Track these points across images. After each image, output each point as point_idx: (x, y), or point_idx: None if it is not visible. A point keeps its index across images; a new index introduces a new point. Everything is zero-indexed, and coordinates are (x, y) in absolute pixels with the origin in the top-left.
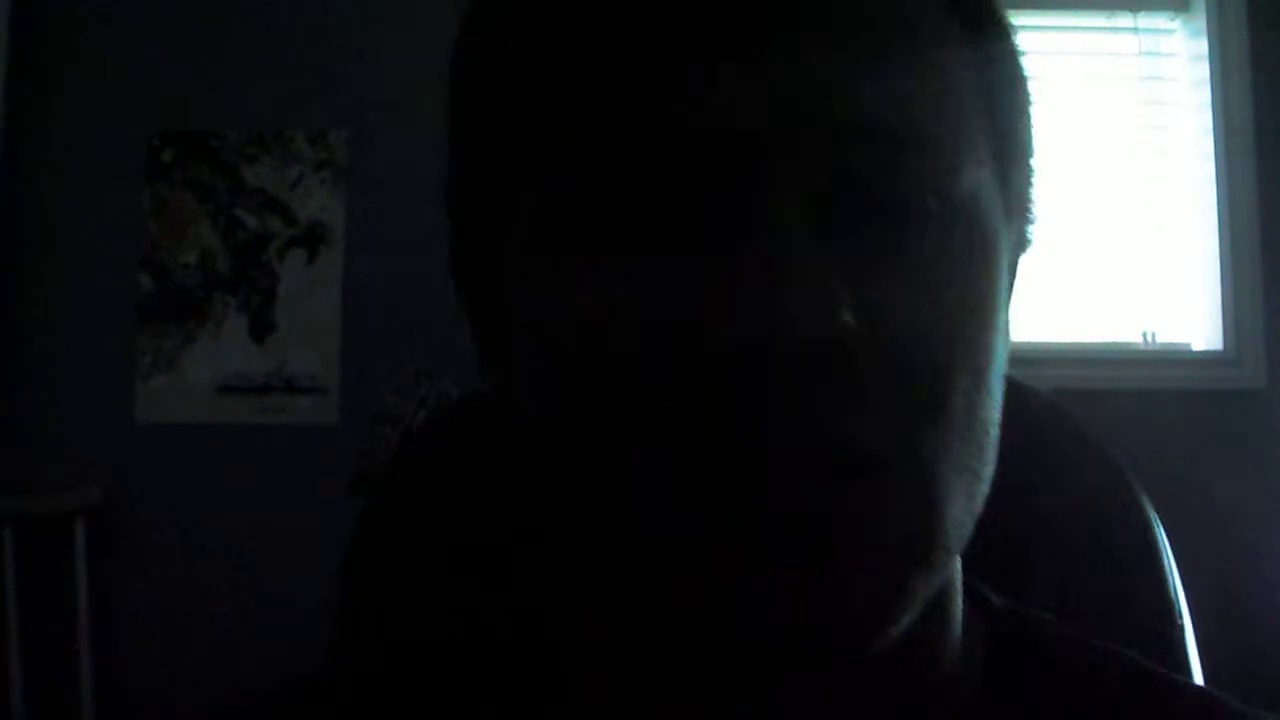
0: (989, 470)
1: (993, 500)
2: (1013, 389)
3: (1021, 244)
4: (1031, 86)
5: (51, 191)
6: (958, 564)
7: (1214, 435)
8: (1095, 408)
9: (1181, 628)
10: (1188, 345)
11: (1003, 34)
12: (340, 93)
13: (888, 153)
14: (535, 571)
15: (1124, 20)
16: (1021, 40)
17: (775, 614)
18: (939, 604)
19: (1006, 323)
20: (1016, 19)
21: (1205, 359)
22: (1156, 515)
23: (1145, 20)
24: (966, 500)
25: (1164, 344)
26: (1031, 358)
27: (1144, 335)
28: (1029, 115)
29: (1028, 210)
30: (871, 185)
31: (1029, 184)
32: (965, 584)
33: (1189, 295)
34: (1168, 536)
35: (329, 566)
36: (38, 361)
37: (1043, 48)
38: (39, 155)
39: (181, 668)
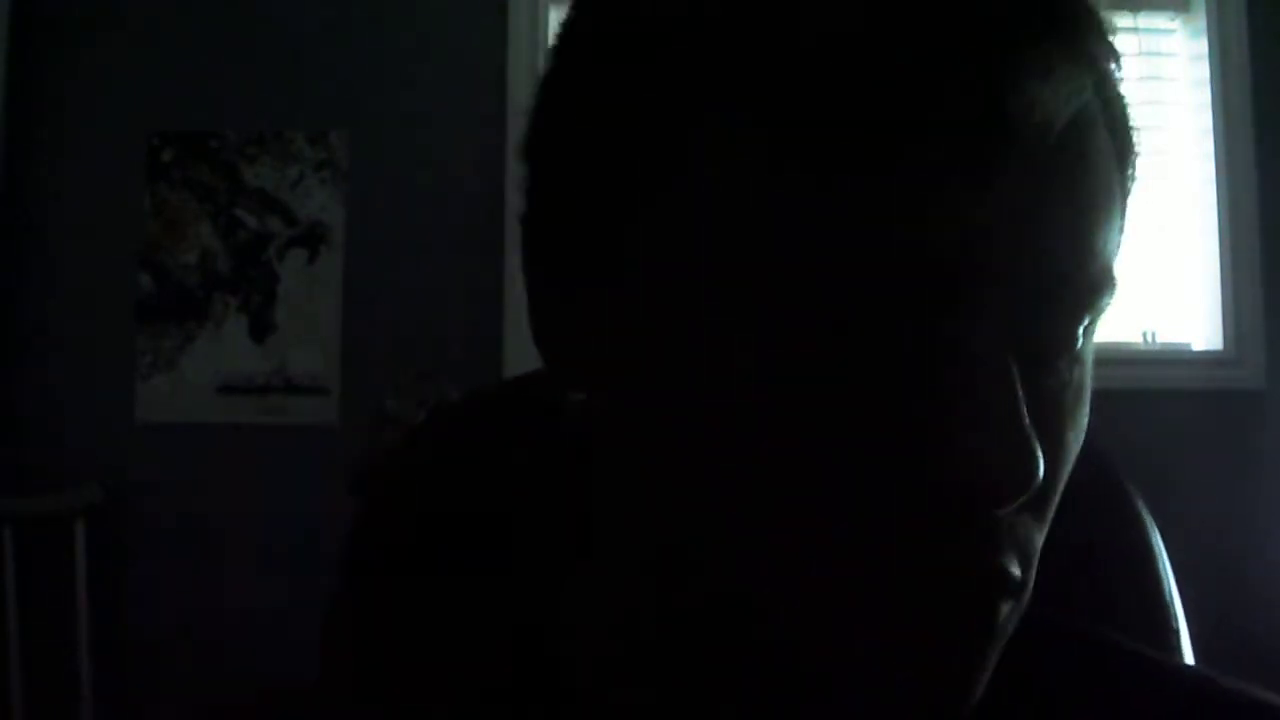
0: None
1: None
2: None
3: None
4: (1141, 173)
5: (51, 191)
6: None
7: (1214, 435)
8: (1095, 408)
9: (1177, 632)
10: (1188, 345)
11: (1137, 143)
12: (340, 93)
13: (1065, 298)
14: (542, 582)
15: (1124, 20)
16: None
17: (908, 688)
18: None
19: None
20: None
21: (1205, 359)
22: (1152, 519)
23: (1145, 20)
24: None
25: (1164, 344)
26: None
27: (1144, 335)
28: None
29: None
30: (1051, 325)
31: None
32: None
33: (1189, 295)
34: (1167, 537)
35: (329, 566)
36: (38, 361)
37: None
38: (39, 155)
39: (181, 668)
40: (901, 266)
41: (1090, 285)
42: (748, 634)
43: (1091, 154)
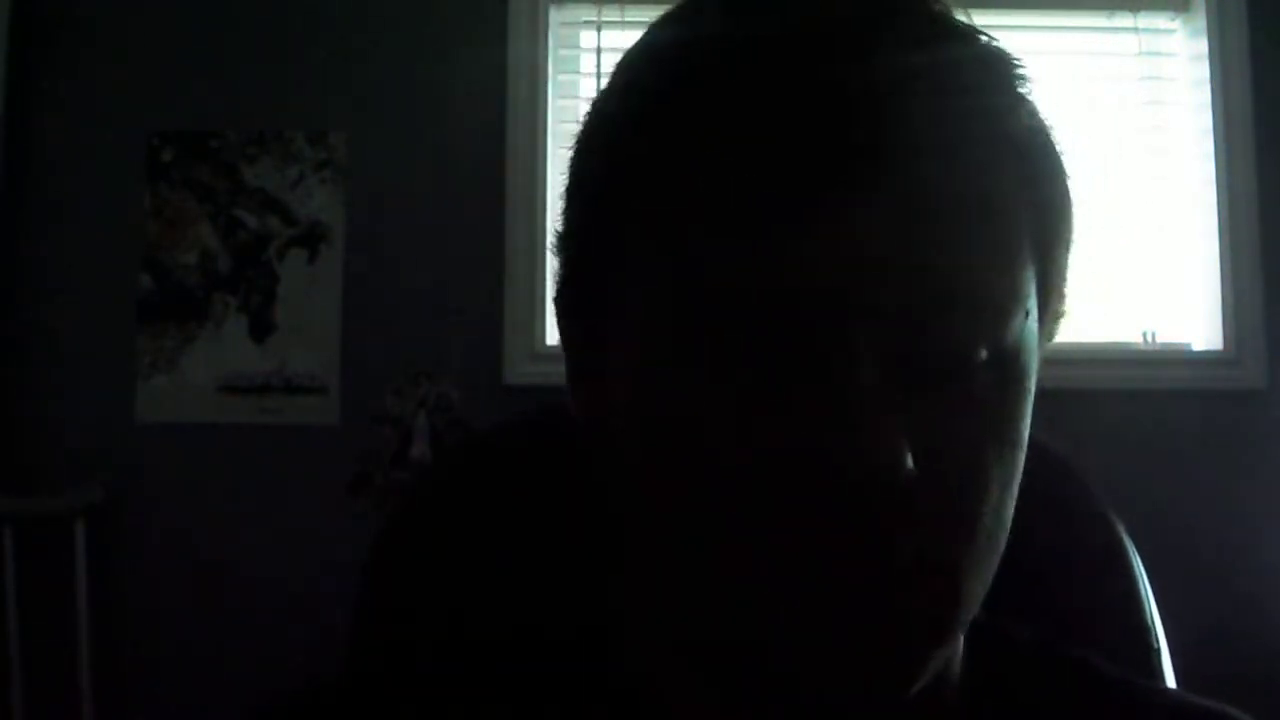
0: (998, 557)
1: None
2: None
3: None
4: (1078, 215)
5: (51, 192)
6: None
7: (1214, 435)
8: (1095, 408)
9: (1158, 652)
10: (1188, 345)
11: (1061, 174)
12: (340, 93)
13: (952, 317)
14: (578, 588)
15: (1124, 20)
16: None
17: (832, 671)
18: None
19: (1028, 435)
20: (1017, 19)
21: (1205, 359)
22: (1133, 545)
23: (1145, 20)
24: (980, 588)
25: (1164, 344)
26: None
27: (1144, 335)
28: (1071, 246)
29: (1055, 328)
30: (936, 344)
31: (1062, 308)
32: None
33: (1189, 295)
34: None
35: (329, 566)
36: (38, 361)
37: (1043, 48)
38: (39, 155)
39: (181, 668)
40: (786, 297)
41: (979, 307)
42: (709, 623)
43: (980, 193)
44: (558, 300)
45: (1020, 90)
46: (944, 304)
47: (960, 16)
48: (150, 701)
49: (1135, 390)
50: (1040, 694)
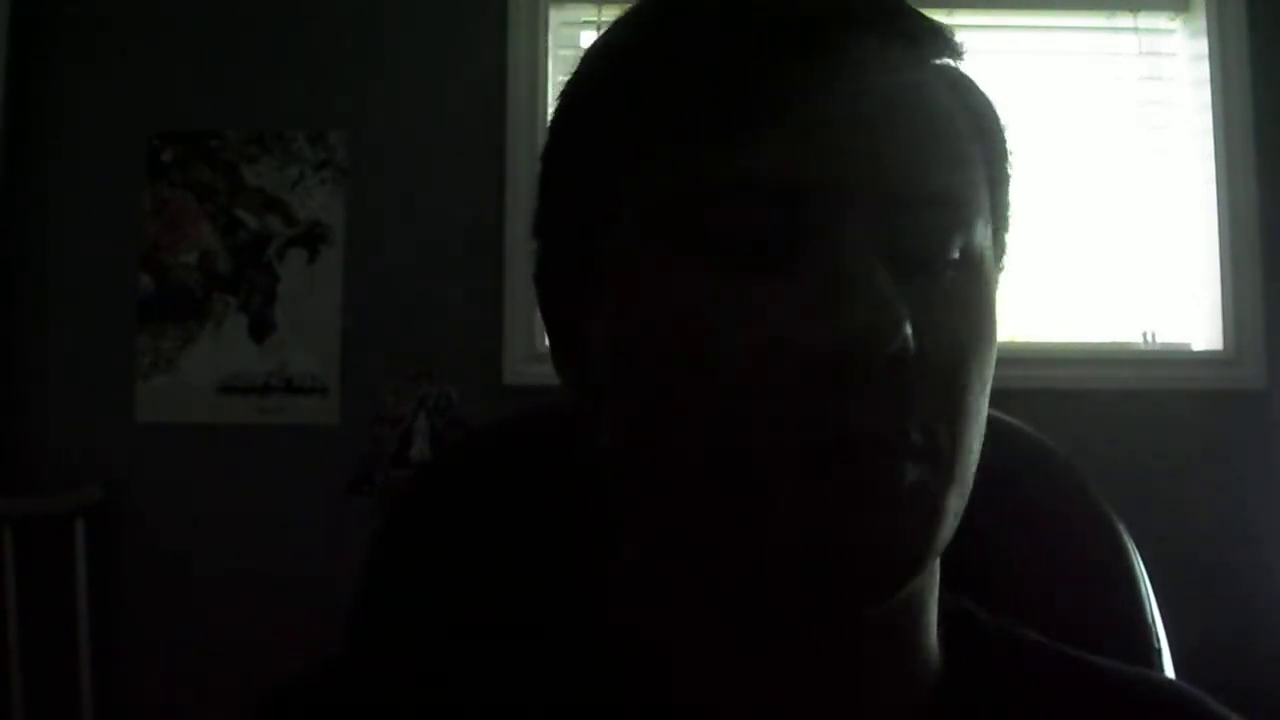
0: (979, 454)
1: (968, 531)
2: (994, 426)
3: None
4: (1015, 158)
5: (52, 191)
6: (937, 562)
7: (1214, 435)
8: (1095, 408)
9: (1159, 651)
10: (1188, 345)
11: (998, 119)
12: (340, 93)
13: (934, 215)
14: (575, 563)
15: (1124, 20)
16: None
17: (852, 552)
18: (927, 586)
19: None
20: (1018, 19)
21: (1205, 359)
22: (1133, 543)
23: (1145, 20)
24: (966, 477)
25: (1164, 344)
26: (1034, 358)
27: (1144, 335)
28: (1011, 182)
29: (1003, 259)
30: (917, 236)
31: (1007, 241)
32: None
33: (1189, 295)
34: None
35: (329, 566)
36: (37, 361)
37: (1043, 48)
38: (39, 155)
39: (181, 667)
40: (788, 189)
41: (951, 206)
42: (735, 506)
43: (933, 111)
44: (541, 277)
45: (956, 48)
46: (922, 199)
47: (961, 15)
48: (150, 701)
49: (1135, 390)
50: (1015, 677)
